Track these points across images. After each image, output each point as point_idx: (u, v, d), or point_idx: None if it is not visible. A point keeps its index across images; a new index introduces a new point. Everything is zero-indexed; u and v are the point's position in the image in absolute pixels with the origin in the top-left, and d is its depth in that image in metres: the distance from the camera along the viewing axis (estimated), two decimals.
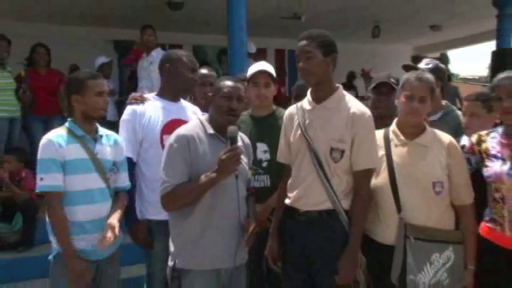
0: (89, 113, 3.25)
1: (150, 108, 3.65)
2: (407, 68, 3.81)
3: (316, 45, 2.91)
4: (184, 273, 2.95)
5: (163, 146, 3.50)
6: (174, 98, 3.76)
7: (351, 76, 11.60)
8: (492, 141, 3.11)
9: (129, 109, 3.67)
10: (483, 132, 3.19)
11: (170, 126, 3.55)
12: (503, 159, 3.01)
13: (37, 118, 7.28)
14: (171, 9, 9.51)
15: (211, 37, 10.17)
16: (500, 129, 3.14)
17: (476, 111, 3.51)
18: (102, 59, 8.47)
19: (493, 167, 3.02)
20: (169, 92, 3.76)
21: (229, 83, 3.07)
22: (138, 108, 3.65)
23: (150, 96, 3.79)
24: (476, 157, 3.12)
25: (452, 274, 2.93)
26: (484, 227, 3.07)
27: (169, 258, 3.04)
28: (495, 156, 3.05)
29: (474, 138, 3.19)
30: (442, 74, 4.03)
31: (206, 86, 4.26)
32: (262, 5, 8.92)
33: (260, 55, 9.75)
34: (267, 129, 3.61)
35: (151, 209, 3.58)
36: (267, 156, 3.59)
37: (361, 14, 10.83)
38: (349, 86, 10.52)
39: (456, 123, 3.76)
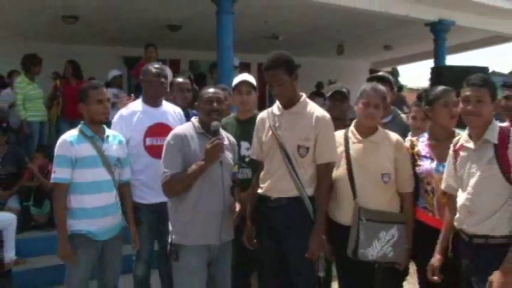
0: (92, 117, 3.23)
1: (137, 113, 3.67)
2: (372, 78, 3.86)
3: (283, 71, 2.89)
4: (181, 248, 2.96)
5: (145, 146, 3.59)
6: (154, 103, 3.75)
7: (319, 86, 11.59)
8: (422, 144, 3.14)
9: (118, 113, 3.70)
10: (414, 138, 3.22)
11: (153, 129, 3.61)
12: (432, 159, 3.04)
13: (66, 121, 7.26)
14: (170, 30, 9.52)
15: (204, 53, 10.16)
16: (426, 134, 3.17)
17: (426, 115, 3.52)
18: (114, 72, 8.40)
19: (424, 166, 3.05)
20: (148, 98, 3.76)
21: (209, 90, 3.11)
22: (125, 112, 3.67)
23: (139, 101, 3.80)
24: (410, 158, 3.13)
25: (396, 248, 2.95)
26: (419, 212, 3.09)
27: (169, 236, 3.05)
28: (425, 157, 3.07)
29: (408, 143, 3.20)
30: (394, 85, 4.07)
31: (184, 91, 4.35)
32: (247, 27, 8.92)
33: (245, 68, 9.77)
34: (249, 130, 3.54)
35: (137, 194, 3.62)
36: (250, 152, 3.56)
37: (328, 35, 10.88)
38: (318, 94, 10.51)
39: (403, 124, 3.79)
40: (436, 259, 2.83)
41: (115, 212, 3.29)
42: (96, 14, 8.35)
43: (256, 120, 3.23)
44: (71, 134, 3.20)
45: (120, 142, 3.40)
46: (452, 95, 3.06)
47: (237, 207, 3.11)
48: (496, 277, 2.46)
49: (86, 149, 3.17)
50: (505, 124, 3.41)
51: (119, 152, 3.35)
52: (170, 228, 3.05)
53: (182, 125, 3.28)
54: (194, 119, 3.16)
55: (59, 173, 3.12)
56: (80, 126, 3.27)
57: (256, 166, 3.29)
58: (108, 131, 3.36)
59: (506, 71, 17.33)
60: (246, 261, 3.65)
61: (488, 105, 2.61)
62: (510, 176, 2.52)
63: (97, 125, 3.27)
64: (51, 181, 3.16)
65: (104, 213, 3.20)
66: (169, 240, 3.02)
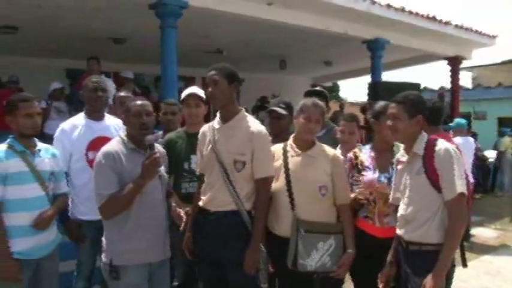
0: (21, 131, 3.01)
1: (79, 127, 3.55)
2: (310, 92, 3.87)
3: (222, 75, 2.86)
4: (120, 268, 2.78)
5: (88, 160, 3.45)
6: (95, 117, 3.64)
7: (263, 99, 11.66)
8: (364, 155, 3.21)
9: (59, 128, 3.56)
10: (356, 149, 3.29)
11: (95, 143, 3.46)
12: (374, 169, 3.11)
13: None
14: (115, 43, 9.35)
15: (148, 67, 9.99)
16: (368, 146, 3.25)
17: (354, 130, 3.62)
18: (55, 85, 8.13)
19: (368, 176, 3.11)
20: (89, 112, 3.65)
21: (137, 102, 2.95)
22: (67, 126, 3.55)
23: (81, 115, 3.67)
24: (355, 169, 3.19)
25: (333, 257, 2.96)
26: (360, 221, 3.13)
27: (103, 255, 2.88)
28: (368, 167, 3.15)
29: (352, 154, 3.27)
30: (328, 99, 4.14)
31: (124, 105, 4.19)
32: (191, 42, 8.88)
33: (190, 82, 9.71)
34: None
35: (80, 210, 3.49)
36: None
37: (271, 51, 11.00)
38: (262, 108, 10.57)
39: (336, 138, 3.83)
40: (387, 268, 2.90)
41: (49, 228, 3.08)
42: (38, 24, 8.03)
43: (199, 134, 3.16)
44: None
45: (53, 155, 3.20)
46: None
47: (183, 216, 3.02)
48: (428, 281, 2.55)
49: (17, 165, 2.94)
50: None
51: (52, 165, 3.15)
52: (105, 247, 2.88)
53: (110, 141, 3.07)
54: (122, 133, 3.01)
55: None
56: (8, 140, 3.03)
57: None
58: (39, 145, 3.14)
59: (436, 87, 18.19)
60: (191, 279, 3.57)
61: (404, 122, 2.74)
62: (437, 184, 2.63)
63: (27, 139, 3.05)
64: None
65: (38, 231, 2.98)
66: (107, 260, 2.83)
